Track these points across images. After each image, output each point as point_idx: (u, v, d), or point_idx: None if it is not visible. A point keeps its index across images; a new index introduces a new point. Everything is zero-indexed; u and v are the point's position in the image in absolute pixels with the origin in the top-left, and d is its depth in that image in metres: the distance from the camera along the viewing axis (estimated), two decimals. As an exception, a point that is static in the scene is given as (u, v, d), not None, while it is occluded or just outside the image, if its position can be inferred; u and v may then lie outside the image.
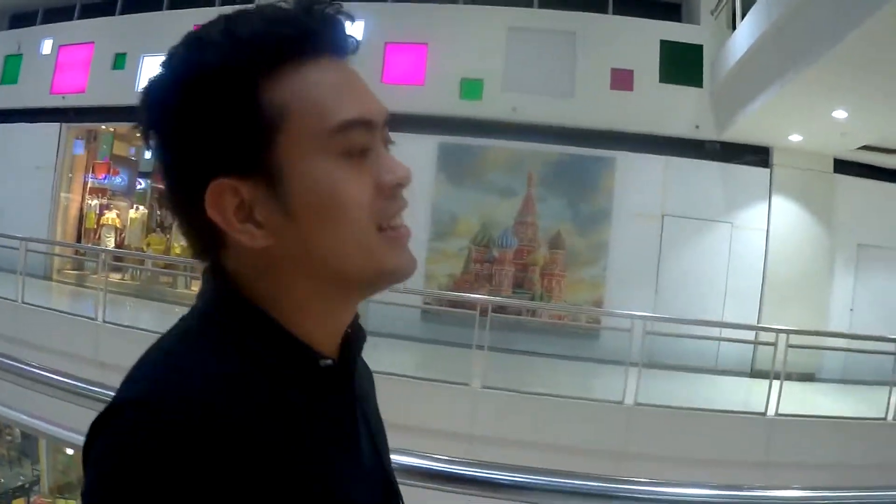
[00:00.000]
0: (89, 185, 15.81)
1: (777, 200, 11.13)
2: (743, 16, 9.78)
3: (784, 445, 7.67)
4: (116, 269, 14.34)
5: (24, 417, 2.76)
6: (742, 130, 10.68)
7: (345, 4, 0.78)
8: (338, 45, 0.77)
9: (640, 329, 8.39)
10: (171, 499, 0.62)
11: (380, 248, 0.76)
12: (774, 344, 8.28)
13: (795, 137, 10.44)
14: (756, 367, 10.12)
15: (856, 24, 6.32)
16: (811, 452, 7.53)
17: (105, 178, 16.17)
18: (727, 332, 9.90)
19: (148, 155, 15.66)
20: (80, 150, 15.54)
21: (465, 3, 12.76)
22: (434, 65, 11.61)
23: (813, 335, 9.14)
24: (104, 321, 9.51)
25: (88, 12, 15.60)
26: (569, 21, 11.83)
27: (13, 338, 9.38)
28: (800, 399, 8.76)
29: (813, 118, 9.37)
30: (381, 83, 10.75)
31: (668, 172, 11.36)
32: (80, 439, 2.38)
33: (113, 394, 2.05)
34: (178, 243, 14.47)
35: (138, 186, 16.46)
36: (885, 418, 8.02)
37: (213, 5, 14.01)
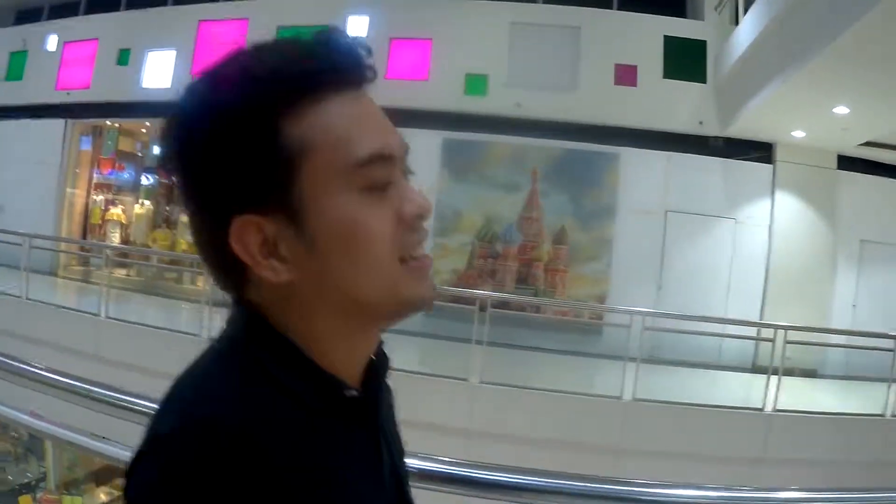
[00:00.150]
0: (94, 181, 15.80)
1: (780, 196, 11.14)
2: (746, 11, 9.78)
3: (782, 442, 7.70)
4: (122, 265, 14.39)
5: (27, 418, 2.79)
6: (745, 126, 10.68)
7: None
8: (356, 77, 0.77)
9: (639, 325, 8.41)
10: None
11: (402, 279, 0.77)
12: (773, 340, 8.31)
13: (798, 133, 10.45)
14: (758, 363, 10.13)
15: (853, 20, 6.31)
16: (809, 449, 7.58)
17: (110, 174, 16.18)
18: (729, 328, 9.94)
19: (155, 150, 15.86)
20: (87, 145, 15.55)
21: (468, -2, 12.81)
22: (438, 60, 11.62)
23: (813, 332, 9.12)
24: (106, 317, 9.56)
25: (93, 8, 15.59)
26: (573, 16, 11.84)
27: (17, 333, 9.41)
28: (800, 395, 8.78)
29: (814, 114, 9.37)
30: (385, 79, 10.75)
31: (671, 168, 11.37)
32: (83, 440, 2.43)
33: (116, 395, 2.09)
34: (184, 239, 14.49)
35: (144, 182, 16.46)
36: (882, 415, 8.05)
37: (217, 1, 14.04)
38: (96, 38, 14.54)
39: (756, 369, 10.06)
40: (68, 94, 14.65)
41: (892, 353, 8.30)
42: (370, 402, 0.82)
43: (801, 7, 7.74)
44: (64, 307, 10.42)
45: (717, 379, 9.93)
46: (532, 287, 11.51)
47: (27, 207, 14.16)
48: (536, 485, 1.75)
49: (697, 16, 11.86)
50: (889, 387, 8.00)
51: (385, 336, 0.89)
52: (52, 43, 15.12)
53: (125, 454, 2.50)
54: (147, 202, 15.95)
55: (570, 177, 11.52)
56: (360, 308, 0.77)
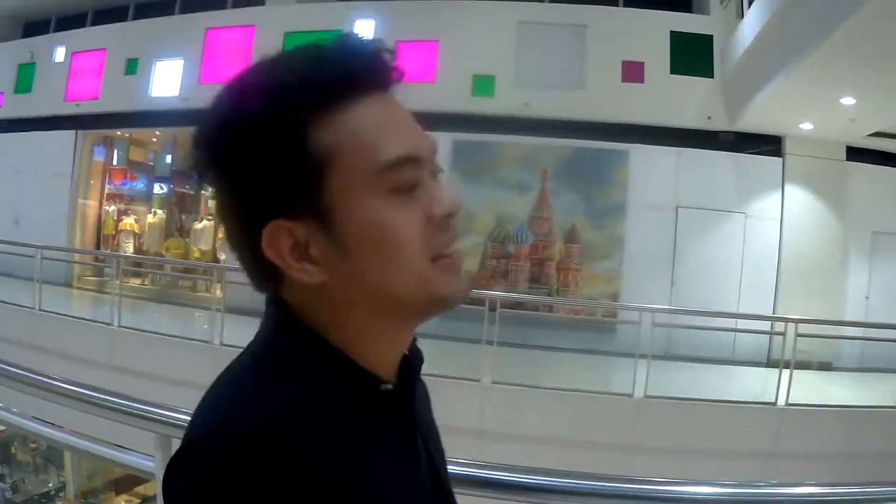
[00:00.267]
0: (107, 192, 15.91)
1: (790, 190, 11.10)
2: (750, 4, 9.76)
3: (794, 435, 7.68)
4: (136, 275, 14.49)
5: (46, 429, 2.81)
6: (753, 120, 10.65)
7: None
8: (381, 81, 0.78)
9: (649, 321, 8.40)
10: None
11: (433, 277, 0.78)
12: (783, 333, 8.28)
13: (806, 126, 10.41)
14: (772, 357, 10.10)
15: (854, 9, 6.29)
16: (821, 442, 7.55)
17: (123, 184, 16.30)
18: (742, 323, 9.92)
19: (167, 159, 15.97)
20: (100, 156, 15.67)
21: (474, -1, 12.83)
22: (445, 62, 11.63)
23: (824, 324, 9.08)
24: (119, 326, 9.62)
25: (100, 19, 15.72)
26: (579, 14, 11.83)
27: (31, 344, 9.56)
28: (814, 388, 8.77)
29: (821, 106, 9.33)
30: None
31: (681, 164, 11.35)
32: (100, 449, 2.45)
33: (129, 403, 2.12)
34: (197, 247, 14.58)
35: (156, 191, 16.56)
36: (895, 406, 8.01)
37: (224, 8, 14.12)
38: (104, 49, 14.63)
39: (771, 364, 10.02)
40: (77, 105, 14.74)
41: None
42: (406, 395, 0.83)
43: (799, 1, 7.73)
44: (75, 317, 10.48)
45: (732, 374, 9.88)
46: (545, 286, 11.51)
47: (41, 219, 14.30)
48: (548, 484, 1.75)
49: (703, 10, 11.86)
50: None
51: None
52: (59, 54, 15.24)
53: (145, 463, 2.54)
54: (160, 211, 16.04)
55: (580, 175, 11.51)
56: (393, 307, 0.78)
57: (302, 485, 0.69)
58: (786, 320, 8.47)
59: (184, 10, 14.71)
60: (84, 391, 2.43)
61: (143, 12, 15.17)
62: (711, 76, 11.32)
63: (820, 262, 10.99)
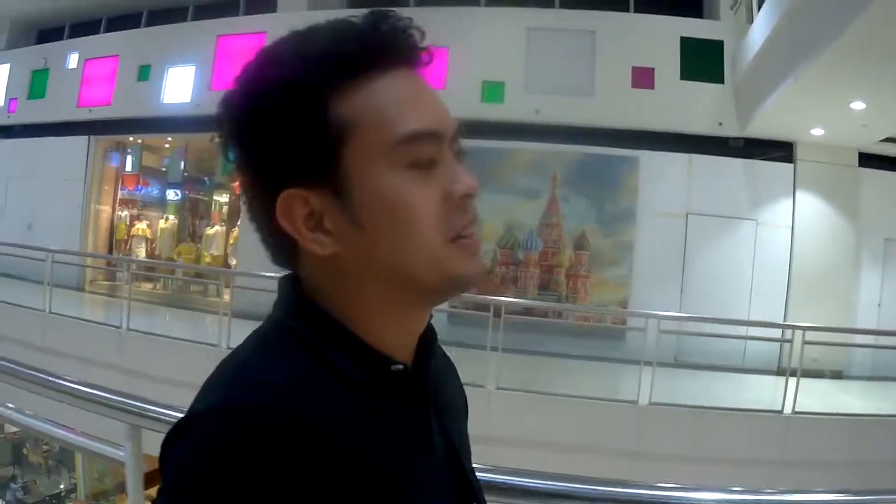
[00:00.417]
0: (120, 197, 16.02)
1: (802, 196, 11.03)
2: (760, 8, 9.73)
3: (801, 443, 7.62)
4: (148, 279, 14.59)
5: (56, 430, 2.83)
6: (764, 126, 10.57)
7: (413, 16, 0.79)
8: (407, 58, 0.79)
9: (654, 328, 8.37)
10: (247, 500, 0.66)
11: (448, 257, 0.77)
12: (791, 341, 8.23)
13: (817, 131, 10.35)
14: (783, 365, 10.04)
15: (856, 14, 6.24)
16: (829, 451, 7.48)
17: (136, 190, 16.39)
18: (753, 330, 9.86)
19: (180, 165, 16.06)
20: (113, 161, 15.79)
21: (485, 5, 12.83)
22: (455, 68, 11.60)
23: (832, 332, 8.99)
24: (128, 329, 9.70)
25: (114, 25, 15.85)
26: (588, 20, 11.81)
27: (41, 346, 9.70)
28: (824, 397, 8.71)
29: (831, 110, 9.26)
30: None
31: (691, 170, 11.31)
32: (71, 436, 2.48)
33: (99, 393, 2.14)
34: (208, 252, 14.65)
35: (169, 197, 16.65)
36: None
37: (235, 15, 14.18)
38: (117, 55, 14.73)
39: (781, 372, 9.97)
40: (90, 111, 14.83)
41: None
42: (419, 376, 0.83)
43: (808, 2, 7.68)
44: (85, 320, 10.58)
45: (741, 382, 9.83)
46: (555, 293, 11.49)
47: (54, 224, 14.43)
48: (551, 488, 1.75)
49: (714, 15, 11.79)
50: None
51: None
52: (73, 61, 15.35)
53: (116, 452, 2.55)
54: (172, 217, 16.12)
55: (590, 181, 11.49)
56: (406, 284, 0.78)
57: (307, 459, 0.69)
58: (793, 327, 8.43)
59: (196, 18, 14.81)
60: (54, 379, 2.45)
61: (155, 19, 15.24)
62: (722, 82, 11.27)
63: (832, 270, 10.90)
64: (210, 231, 14.81)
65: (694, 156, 11.31)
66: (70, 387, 2.44)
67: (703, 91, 11.29)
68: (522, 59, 11.81)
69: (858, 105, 8.83)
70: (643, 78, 11.40)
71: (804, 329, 8.21)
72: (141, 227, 15.70)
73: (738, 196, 11.27)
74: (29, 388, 2.54)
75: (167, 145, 16.16)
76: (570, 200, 11.54)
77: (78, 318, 10.45)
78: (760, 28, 9.42)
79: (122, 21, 15.66)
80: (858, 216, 11.03)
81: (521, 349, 9.73)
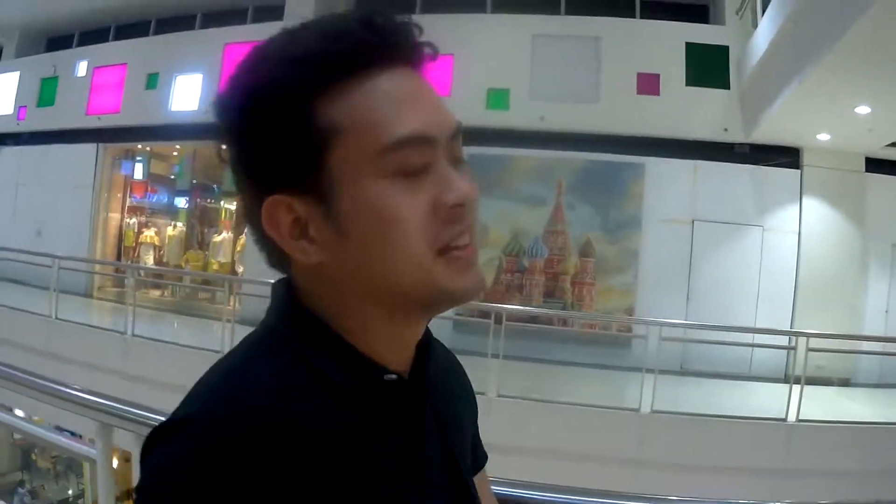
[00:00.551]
0: (128, 204, 16.09)
1: (808, 202, 10.97)
2: (764, 12, 9.68)
3: (806, 452, 7.55)
4: (156, 286, 14.67)
5: (28, 426, 2.86)
6: (770, 131, 10.51)
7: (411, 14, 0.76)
8: (404, 56, 0.75)
9: (655, 336, 8.34)
10: None
11: (437, 270, 0.74)
12: (794, 348, 8.17)
13: (823, 136, 10.28)
14: (790, 373, 9.99)
15: (861, 11, 6.17)
16: (833, 459, 7.41)
17: (144, 197, 16.47)
18: (759, 337, 9.80)
19: (188, 173, 16.12)
20: (124, 169, 15.89)
21: (489, 12, 12.82)
22: (460, 75, 11.58)
23: (837, 339, 8.94)
24: (133, 335, 9.75)
25: (122, 34, 15.94)
26: (593, 27, 11.78)
27: (46, 352, 9.77)
28: (831, 404, 8.65)
29: (837, 115, 9.19)
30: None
31: (697, 177, 11.26)
32: (44, 433, 2.49)
33: (70, 391, 2.15)
34: (216, 259, 14.69)
35: (177, 204, 16.72)
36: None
37: (243, 23, 14.23)
38: (125, 63, 14.79)
39: (788, 379, 9.90)
40: (99, 118, 14.90)
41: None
42: (415, 387, 0.80)
43: (810, 5, 7.64)
44: (90, 326, 10.64)
45: (747, 390, 9.74)
46: (560, 301, 11.46)
47: (63, 230, 14.51)
48: (555, 500, 1.74)
49: (719, 21, 11.75)
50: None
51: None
52: (82, 69, 15.43)
53: (88, 450, 2.57)
54: (180, 224, 16.18)
55: (595, 188, 11.46)
56: (393, 296, 0.75)
57: (287, 472, 0.67)
58: (796, 334, 8.39)
59: (204, 26, 14.86)
60: (27, 377, 2.47)
61: (164, 27, 15.34)
62: (728, 87, 11.22)
63: (839, 276, 10.82)
64: (217, 238, 14.85)
65: (700, 162, 11.26)
66: (41, 384, 2.46)
67: (709, 97, 11.26)
68: (527, 66, 11.79)
69: (864, 109, 8.77)
70: (648, 84, 11.37)
71: (808, 336, 8.15)
72: (149, 234, 15.77)
73: (745, 202, 11.21)
74: (3, 385, 2.56)
75: (175, 153, 16.22)
76: (575, 207, 11.52)
77: (83, 324, 10.50)
78: (765, 32, 9.37)
79: (131, 29, 15.76)
80: (866, 222, 10.95)
81: (525, 357, 9.73)
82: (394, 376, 0.77)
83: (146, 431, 2.33)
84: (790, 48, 8.44)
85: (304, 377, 0.73)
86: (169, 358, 9.25)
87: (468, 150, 0.69)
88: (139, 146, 15.62)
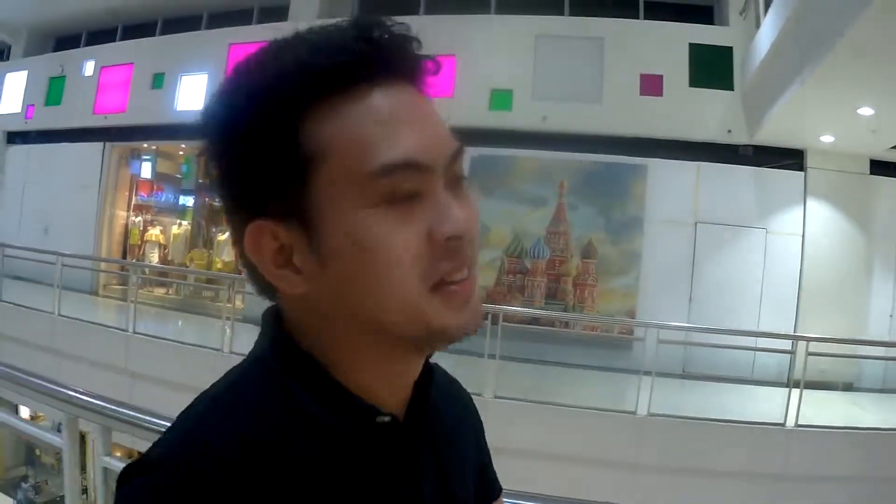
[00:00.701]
0: (134, 202, 16.20)
1: (812, 204, 10.86)
2: (767, 12, 9.61)
3: (805, 458, 7.48)
4: (161, 285, 14.74)
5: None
6: (773, 133, 10.41)
7: (410, 24, 0.71)
8: (400, 71, 0.70)
9: (654, 338, 8.29)
10: None
11: (429, 307, 0.67)
12: (793, 352, 8.11)
13: (827, 138, 10.19)
14: (793, 377, 9.91)
15: (860, 9, 6.07)
16: (832, 464, 7.36)
17: (150, 196, 16.55)
18: (762, 341, 9.72)
19: (193, 172, 16.16)
20: (130, 168, 15.99)
21: (492, 13, 12.79)
22: (463, 76, 11.57)
23: (838, 342, 8.84)
24: (134, 332, 9.82)
25: (129, 34, 16.03)
26: (597, 27, 11.73)
27: (50, 348, 9.95)
28: (833, 409, 8.58)
29: (839, 117, 9.10)
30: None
31: (700, 178, 11.19)
32: (13, 421, 2.53)
33: (39, 381, 2.15)
34: (220, 258, 14.74)
35: (182, 203, 16.80)
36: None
37: (248, 24, 14.26)
38: (132, 63, 14.88)
39: (795, 383, 9.85)
40: (105, 117, 15.00)
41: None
42: (411, 428, 0.75)
43: (812, 4, 7.55)
44: (92, 322, 10.68)
45: (749, 394, 9.67)
46: (561, 302, 11.42)
47: (70, 228, 14.64)
48: None
49: (723, 22, 11.68)
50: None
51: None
52: (89, 68, 15.54)
53: (55, 439, 2.59)
54: (185, 223, 16.26)
55: (598, 190, 11.41)
56: (382, 334, 0.69)
57: None
58: (795, 338, 8.31)
59: (210, 26, 14.94)
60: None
61: (170, 27, 15.43)
62: (731, 88, 11.13)
63: (843, 279, 10.72)
64: (221, 237, 14.89)
65: (703, 164, 11.19)
66: (10, 373, 2.47)
67: (712, 98, 11.17)
68: (530, 66, 11.74)
69: (867, 111, 8.66)
70: (651, 85, 11.31)
71: (807, 340, 8.09)
72: (154, 232, 15.87)
73: (748, 204, 11.12)
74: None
75: (181, 152, 16.28)
76: (577, 208, 11.47)
77: (86, 321, 10.56)
78: (767, 32, 9.28)
79: (138, 29, 15.85)
80: (870, 225, 10.85)
81: (526, 358, 9.72)
82: (387, 418, 0.72)
83: (112, 423, 2.36)
84: (792, 48, 8.35)
85: (290, 415, 0.68)
86: (170, 355, 9.32)
87: (471, 151, 0.65)
88: (145, 145, 15.69)
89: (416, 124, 0.69)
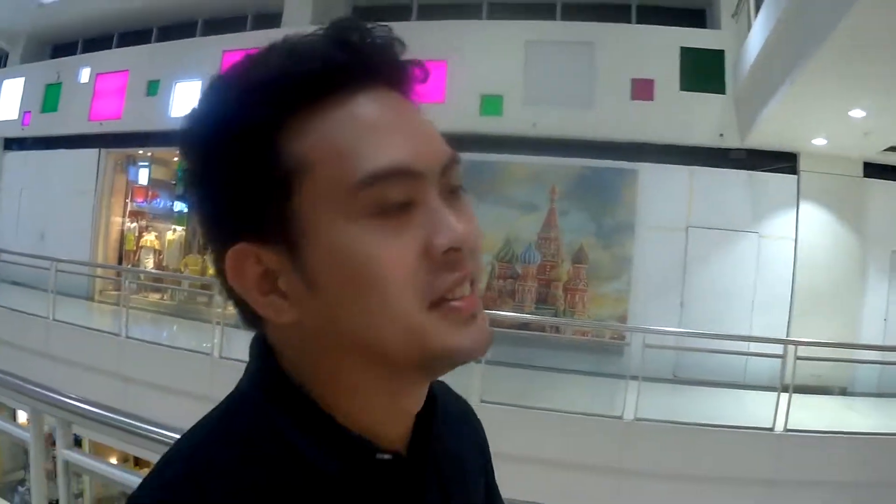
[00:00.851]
0: (129, 208, 16.25)
1: (805, 208, 10.79)
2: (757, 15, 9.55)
3: (795, 463, 7.41)
4: (156, 290, 14.80)
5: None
6: (765, 136, 10.35)
7: (394, 28, 0.67)
8: (384, 76, 0.65)
9: (639, 343, 8.25)
10: None
11: (430, 327, 0.62)
12: (783, 356, 8.06)
13: (820, 141, 10.12)
14: (785, 382, 9.85)
15: (847, 7, 5.98)
16: (823, 470, 7.29)
17: (145, 202, 16.60)
18: (754, 345, 9.67)
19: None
20: (131, 175, 16.09)
21: (484, 18, 12.78)
22: (454, 81, 11.53)
23: (830, 347, 8.79)
24: (126, 336, 9.85)
25: (125, 41, 16.12)
26: (587, 32, 11.69)
27: (44, 352, 10.03)
28: (826, 413, 8.52)
29: (831, 119, 9.02)
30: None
31: (692, 183, 11.13)
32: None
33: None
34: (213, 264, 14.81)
35: (177, 209, 16.86)
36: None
37: (244, 30, 14.30)
38: (127, 70, 14.94)
39: (784, 388, 9.79)
40: (101, 124, 15.06)
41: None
42: (415, 465, 0.70)
43: (801, 4, 7.48)
44: (85, 327, 10.72)
45: (740, 399, 9.60)
46: (552, 307, 11.38)
47: (66, 234, 14.72)
48: None
49: (714, 25, 11.64)
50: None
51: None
52: (85, 75, 15.63)
53: (22, 434, 2.63)
54: (179, 229, 16.32)
55: (589, 194, 11.37)
56: (379, 360, 0.63)
57: None
58: (785, 342, 8.25)
59: (205, 33, 15.00)
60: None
61: (166, 34, 15.50)
62: (723, 92, 11.07)
63: (836, 283, 10.63)
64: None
65: (695, 168, 11.13)
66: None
67: (704, 102, 11.11)
68: (521, 71, 11.71)
69: (858, 113, 8.59)
70: (643, 89, 11.26)
71: (796, 344, 8.03)
72: (149, 238, 15.94)
73: (740, 208, 11.05)
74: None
75: (176, 158, 16.33)
76: (568, 214, 11.43)
77: (79, 326, 10.61)
78: (758, 34, 9.21)
79: (133, 36, 15.95)
80: (864, 228, 10.77)
81: (517, 363, 9.69)
82: (387, 456, 0.66)
83: (75, 418, 2.40)
84: (782, 49, 8.27)
85: (281, 458, 0.63)
86: (162, 360, 9.37)
87: (462, 156, 0.61)
88: (140, 152, 15.79)
89: (402, 130, 0.64)
